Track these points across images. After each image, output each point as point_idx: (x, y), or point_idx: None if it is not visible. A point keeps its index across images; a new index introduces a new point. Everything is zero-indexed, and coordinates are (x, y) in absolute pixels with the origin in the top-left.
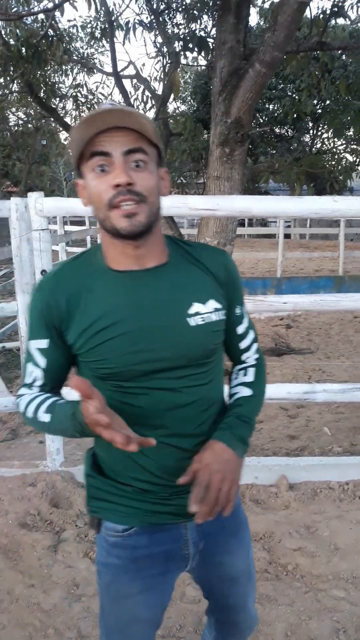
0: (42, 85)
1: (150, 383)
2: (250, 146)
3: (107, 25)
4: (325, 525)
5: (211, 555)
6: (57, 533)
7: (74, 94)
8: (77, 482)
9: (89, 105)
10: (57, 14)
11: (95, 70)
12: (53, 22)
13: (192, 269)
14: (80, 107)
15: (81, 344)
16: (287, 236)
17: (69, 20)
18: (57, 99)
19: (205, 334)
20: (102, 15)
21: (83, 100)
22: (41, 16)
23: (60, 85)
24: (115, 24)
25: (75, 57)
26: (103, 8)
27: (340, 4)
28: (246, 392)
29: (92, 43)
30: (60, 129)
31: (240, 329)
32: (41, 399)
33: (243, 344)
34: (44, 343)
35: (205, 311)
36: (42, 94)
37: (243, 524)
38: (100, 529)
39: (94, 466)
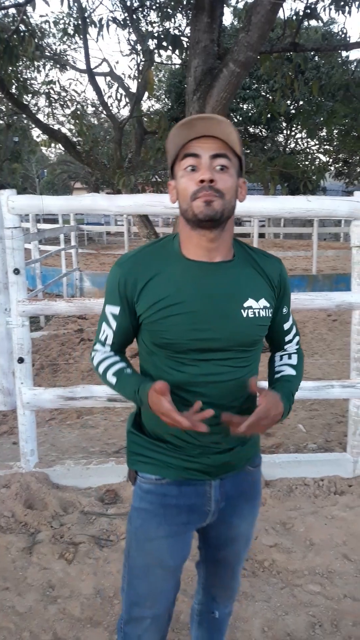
0: (13, 81)
1: (201, 356)
2: None
3: (80, 22)
4: (301, 522)
5: (226, 515)
6: (32, 535)
7: (47, 90)
8: (51, 483)
9: (62, 102)
10: (29, 8)
11: (68, 67)
12: (25, 17)
13: (251, 270)
14: (53, 104)
15: (149, 314)
16: (261, 235)
17: (40, 16)
18: (29, 95)
19: (254, 326)
20: (75, 11)
21: (56, 97)
22: (12, 10)
23: (32, 81)
24: (88, 20)
25: (47, 53)
26: (76, 4)
27: (312, 6)
28: (291, 371)
29: (64, 39)
30: (33, 125)
31: (287, 325)
32: (111, 360)
33: (287, 337)
34: (116, 310)
35: (256, 307)
36: (13, 90)
37: (258, 496)
38: (136, 481)
39: (135, 425)
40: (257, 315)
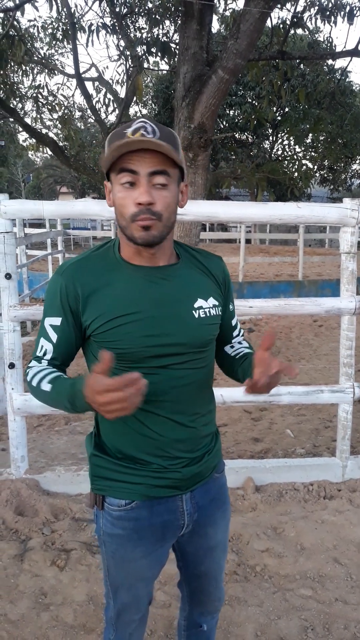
0: (1, 85)
1: (158, 363)
2: (211, 151)
3: (69, 27)
4: (292, 526)
5: (200, 526)
6: (23, 542)
7: (35, 94)
8: (42, 490)
9: (49, 107)
10: (18, 13)
11: (56, 72)
12: (14, 21)
13: (197, 270)
14: (41, 109)
15: (98, 325)
16: (247, 241)
17: (29, 21)
18: (17, 99)
19: (206, 326)
20: (64, 17)
21: (44, 101)
22: (0, 15)
23: (20, 85)
24: (77, 25)
25: (35, 58)
26: (65, 9)
27: (299, 15)
28: (250, 350)
29: (53, 44)
30: (20, 129)
31: (234, 322)
32: (47, 371)
33: (235, 332)
34: (57, 320)
35: (206, 306)
36: (1, 94)
37: (227, 500)
38: (103, 506)
39: (97, 447)
40: (208, 314)
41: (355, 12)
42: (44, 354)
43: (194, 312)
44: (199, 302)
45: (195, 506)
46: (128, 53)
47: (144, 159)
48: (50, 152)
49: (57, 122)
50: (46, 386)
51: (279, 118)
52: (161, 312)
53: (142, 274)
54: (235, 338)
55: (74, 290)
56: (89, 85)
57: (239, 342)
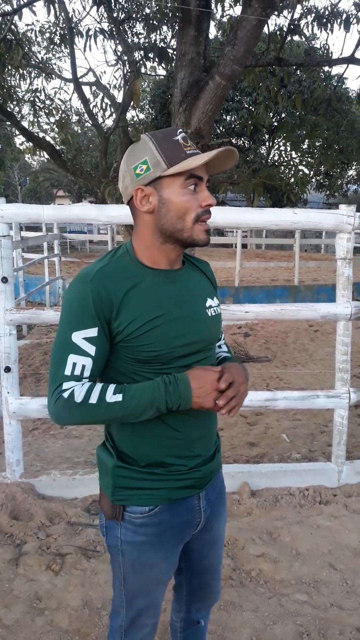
0: None
1: (182, 363)
2: None
3: (66, 32)
4: (287, 531)
5: (209, 521)
6: (18, 546)
7: (32, 98)
8: (37, 494)
9: (47, 111)
10: (15, 17)
11: (53, 76)
12: (12, 25)
13: (198, 273)
14: (38, 112)
15: (132, 330)
16: (243, 246)
17: (27, 25)
18: (14, 103)
19: (217, 323)
20: (61, 21)
21: (41, 105)
22: None
23: (17, 89)
24: (75, 30)
25: (33, 62)
26: (63, 14)
27: (296, 22)
28: (228, 354)
29: (50, 48)
30: (17, 133)
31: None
32: (102, 385)
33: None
34: (93, 332)
35: (214, 305)
36: None
37: (225, 493)
38: (123, 516)
39: (119, 458)
40: (216, 312)
41: (351, 19)
42: (82, 371)
43: (207, 310)
44: (209, 302)
45: (209, 502)
46: (125, 58)
47: (203, 166)
48: (47, 156)
49: (54, 126)
50: (114, 397)
51: (275, 124)
52: (183, 312)
53: (163, 277)
54: (220, 341)
55: (107, 296)
56: (86, 89)
57: (219, 346)
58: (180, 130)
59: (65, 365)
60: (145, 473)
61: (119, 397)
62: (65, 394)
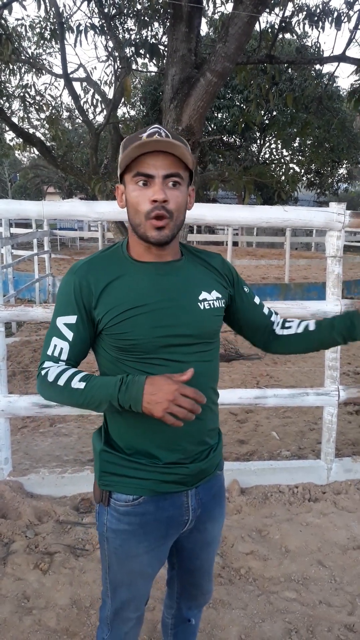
0: None
1: (167, 355)
2: (199, 154)
3: (57, 27)
4: (276, 529)
5: (201, 522)
6: (6, 545)
7: (22, 94)
8: (26, 492)
9: (37, 107)
10: (5, 12)
11: (44, 71)
12: (2, 20)
13: (199, 266)
14: (28, 108)
15: (110, 318)
16: (234, 244)
17: (17, 19)
18: (4, 98)
19: (211, 317)
20: (52, 16)
21: (31, 101)
22: None
23: (7, 84)
24: (65, 25)
25: (23, 57)
26: (53, 9)
27: (287, 20)
28: (313, 320)
29: (41, 43)
30: (7, 128)
31: (257, 300)
32: (74, 370)
33: (266, 310)
34: (72, 319)
35: (210, 299)
36: None
37: (225, 497)
38: (109, 502)
39: (107, 443)
40: (212, 306)
41: (342, 18)
42: (60, 353)
43: (199, 303)
44: (203, 295)
45: (199, 502)
46: (116, 54)
47: (159, 162)
48: (37, 152)
49: (45, 122)
50: (78, 384)
51: (266, 122)
52: (169, 303)
53: (151, 269)
54: (274, 316)
55: (87, 287)
56: (76, 85)
57: (286, 321)
58: (155, 127)
59: (49, 345)
60: (131, 461)
61: (81, 385)
62: (43, 372)
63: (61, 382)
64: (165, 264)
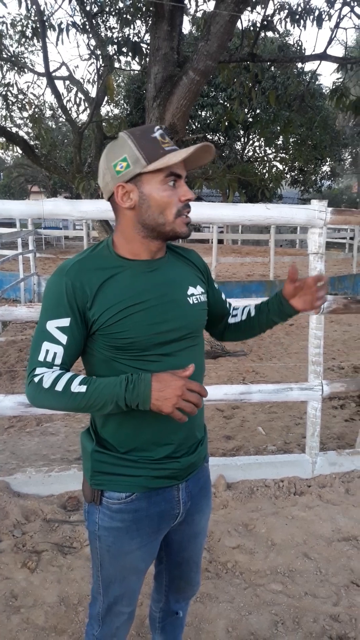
0: None
1: (162, 350)
2: None
3: (38, 25)
4: (262, 522)
5: (190, 514)
6: None
7: (4, 92)
8: (12, 492)
9: (19, 105)
10: None
11: (26, 70)
12: None
13: (181, 262)
14: (11, 107)
15: (106, 318)
16: (220, 241)
17: None
18: None
19: (199, 311)
20: (33, 14)
21: (13, 99)
22: None
23: None
24: (47, 23)
25: (5, 55)
26: (34, 7)
27: (269, 18)
28: (252, 305)
29: (22, 42)
30: None
31: (224, 296)
32: (70, 374)
33: (227, 305)
34: (65, 321)
35: (197, 293)
36: None
37: (210, 488)
38: (101, 501)
39: (98, 443)
40: (199, 300)
41: (323, 16)
42: (53, 358)
43: (188, 298)
44: (191, 290)
45: (189, 495)
46: (99, 52)
47: (180, 163)
48: (20, 151)
49: (28, 120)
50: (79, 388)
51: (250, 120)
52: (163, 300)
53: (142, 266)
54: (232, 310)
55: (81, 288)
56: (59, 84)
57: (235, 309)
58: (158, 127)
59: (40, 351)
60: (124, 459)
61: (82, 388)
62: (36, 379)
63: (59, 387)
64: (155, 262)
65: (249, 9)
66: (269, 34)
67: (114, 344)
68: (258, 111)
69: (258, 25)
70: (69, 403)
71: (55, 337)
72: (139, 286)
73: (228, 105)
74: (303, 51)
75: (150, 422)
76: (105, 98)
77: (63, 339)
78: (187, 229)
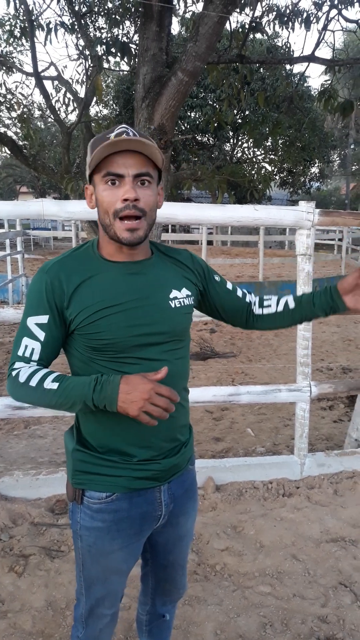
0: None
1: (141, 354)
2: (173, 153)
3: (27, 25)
4: (251, 524)
5: (174, 516)
6: None
7: None
8: None
9: (7, 105)
10: None
11: (14, 69)
12: None
13: (169, 265)
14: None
15: (83, 317)
16: (209, 243)
17: None
18: None
19: (182, 315)
20: (21, 14)
21: (2, 99)
22: None
23: None
24: (35, 23)
25: None
26: (23, 6)
27: (258, 20)
28: (290, 296)
29: (11, 41)
30: None
31: (229, 285)
32: (46, 371)
33: (240, 293)
34: (44, 318)
35: (180, 296)
36: None
37: (197, 491)
38: (82, 500)
39: (79, 442)
40: (183, 304)
41: (311, 19)
42: (31, 354)
43: (170, 302)
44: (174, 293)
45: (172, 497)
46: (87, 53)
47: (129, 161)
48: (8, 152)
49: (16, 121)
50: (51, 385)
51: (239, 121)
52: (142, 302)
53: (122, 268)
54: (249, 296)
55: (59, 286)
56: (48, 84)
57: (263, 299)
58: (123, 126)
59: (19, 346)
60: (103, 459)
61: (54, 386)
62: (14, 373)
63: (33, 382)
64: (136, 263)
65: (238, 10)
66: (258, 35)
67: (91, 344)
68: (247, 112)
69: (247, 26)
70: (41, 399)
71: (34, 333)
72: (119, 288)
73: (217, 106)
74: (291, 53)
75: (129, 423)
76: (94, 98)
77: (41, 335)
78: (128, 234)
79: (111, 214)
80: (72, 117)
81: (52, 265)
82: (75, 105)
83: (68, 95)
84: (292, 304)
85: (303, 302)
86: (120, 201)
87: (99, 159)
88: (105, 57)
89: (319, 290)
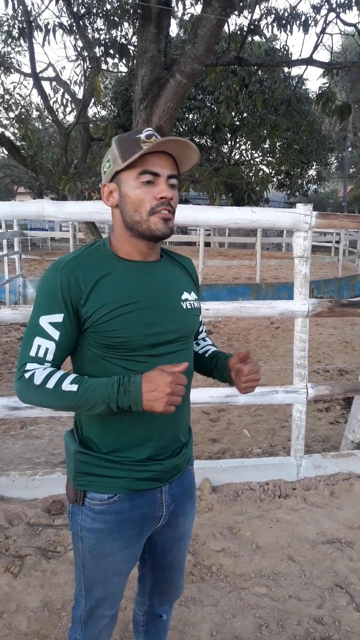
0: None
1: (152, 352)
2: None
3: (25, 25)
4: (247, 526)
5: (174, 516)
6: None
7: None
8: None
9: (5, 106)
10: None
11: (12, 70)
12: None
13: (177, 268)
14: None
15: (100, 315)
16: (206, 244)
17: None
18: None
19: (192, 317)
20: (20, 15)
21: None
22: None
23: None
24: (34, 24)
25: None
26: (21, 7)
27: (256, 23)
28: (216, 349)
29: (9, 42)
30: None
31: (201, 317)
32: (62, 372)
33: (200, 328)
34: (58, 317)
35: (190, 299)
36: None
37: (195, 491)
38: (84, 502)
39: (81, 444)
40: (193, 306)
41: (309, 22)
42: (45, 354)
43: (182, 303)
44: (185, 295)
45: (173, 497)
46: (86, 54)
47: (163, 161)
48: (6, 152)
49: (14, 121)
50: (70, 387)
51: (237, 123)
52: (156, 302)
53: (137, 268)
54: (200, 334)
55: (76, 284)
56: (46, 85)
57: (203, 339)
58: (149, 129)
59: (31, 346)
60: (107, 460)
61: (74, 387)
62: (27, 375)
63: (50, 384)
64: (150, 264)
65: (236, 13)
66: (256, 38)
67: (105, 342)
68: (245, 115)
69: (245, 29)
70: (59, 401)
71: (48, 333)
72: (133, 286)
73: (215, 108)
74: (290, 56)
75: (134, 423)
76: (92, 99)
77: (55, 334)
78: (164, 225)
79: (145, 211)
80: (70, 118)
81: (67, 262)
82: (73, 106)
83: (66, 96)
84: (208, 353)
85: (213, 357)
86: (155, 199)
87: (137, 156)
88: (103, 59)
89: (227, 356)
